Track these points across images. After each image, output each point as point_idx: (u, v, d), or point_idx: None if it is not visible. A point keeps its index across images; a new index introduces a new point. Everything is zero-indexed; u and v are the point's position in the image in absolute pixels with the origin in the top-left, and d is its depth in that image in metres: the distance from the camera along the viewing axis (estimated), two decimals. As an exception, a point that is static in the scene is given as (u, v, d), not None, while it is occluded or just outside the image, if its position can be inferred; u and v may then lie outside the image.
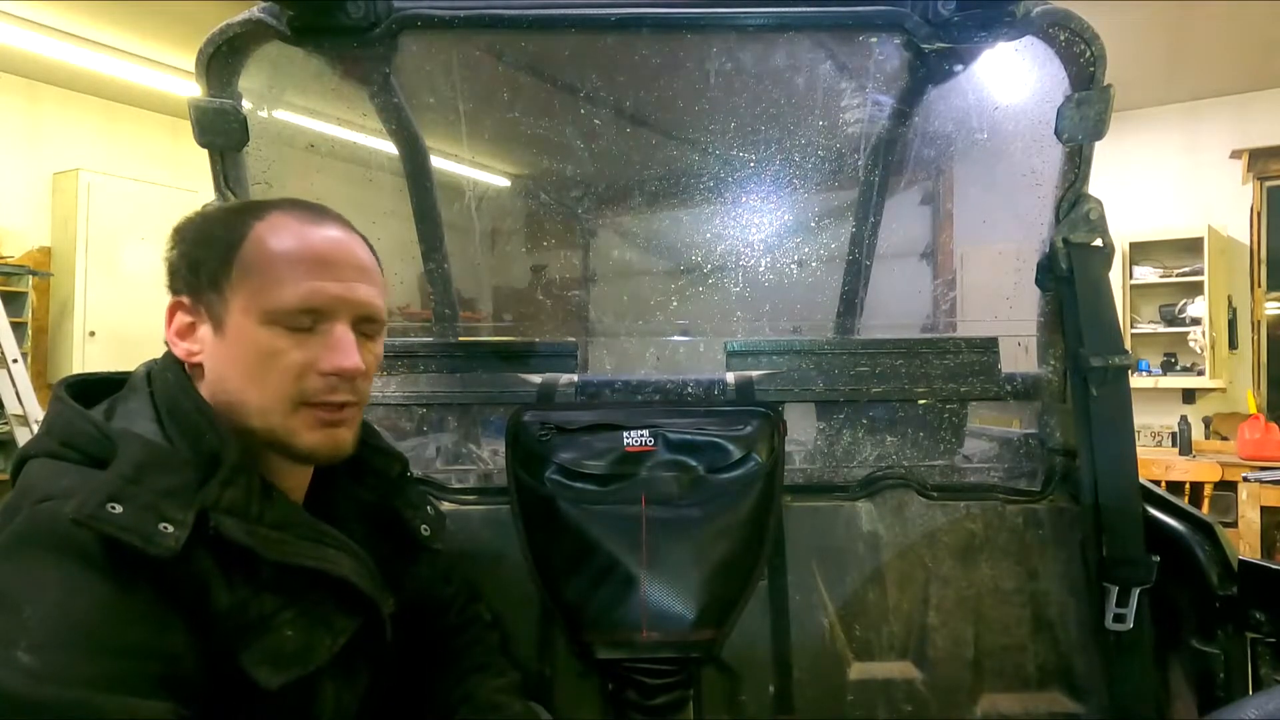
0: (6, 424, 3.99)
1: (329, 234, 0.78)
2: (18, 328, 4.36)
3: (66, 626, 0.59)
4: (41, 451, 0.70)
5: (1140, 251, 5.08)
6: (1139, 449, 1.18)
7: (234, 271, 0.74)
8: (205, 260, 0.75)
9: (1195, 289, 4.92)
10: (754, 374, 1.33)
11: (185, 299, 0.77)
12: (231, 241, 0.75)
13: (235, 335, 0.74)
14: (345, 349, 0.75)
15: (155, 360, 0.79)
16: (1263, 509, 3.60)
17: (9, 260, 4.71)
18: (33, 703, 0.55)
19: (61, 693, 0.56)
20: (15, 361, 3.81)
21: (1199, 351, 4.89)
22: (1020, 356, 1.37)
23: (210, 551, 0.66)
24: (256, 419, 0.74)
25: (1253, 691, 1.06)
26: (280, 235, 0.75)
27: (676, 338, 1.76)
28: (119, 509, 0.62)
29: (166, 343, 0.78)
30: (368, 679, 0.82)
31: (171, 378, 0.75)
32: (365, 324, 0.79)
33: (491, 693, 0.93)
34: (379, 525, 0.89)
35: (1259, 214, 4.87)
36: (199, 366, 0.76)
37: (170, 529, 0.63)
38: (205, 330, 0.76)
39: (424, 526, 0.92)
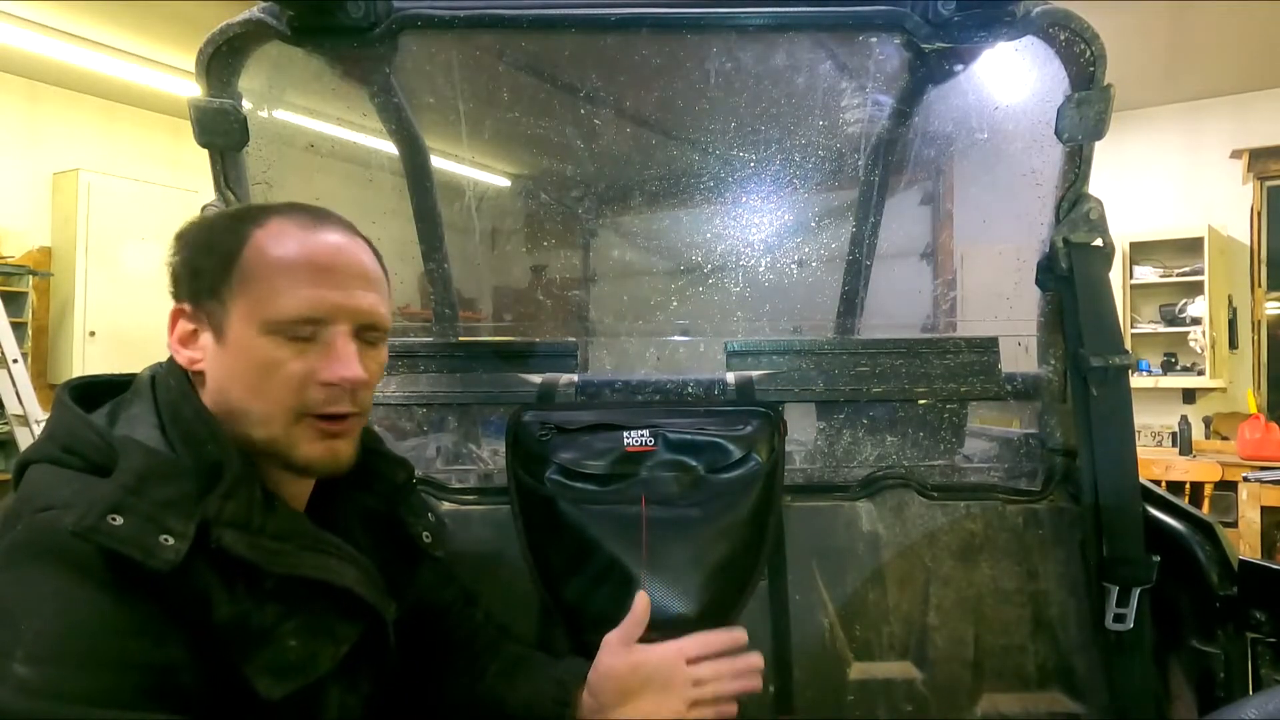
0: (6, 424, 3.99)
1: (330, 240, 0.76)
2: (18, 328, 4.36)
3: (64, 639, 0.58)
4: (43, 457, 0.69)
5: (1140, 251, 5.08)
6: (1139, 449, 1.18)
7: (234, 279, 0.73)
8: (206, 268, 0.74)
9: (1195, 289, 4.91)
10: (754, 374, 1.33)
11: (187, 306, 0.76)
12: (231, 249, 0.74)
13: (236, 345, 0.73)
14: (346, 358, 0.74)
15: (160, 364, 0.79)
16: (1263, 509, 3.60)
17: (9, 260, 4.71)
18: (29, 717, 0.55)
19: (58, 707, 0.55)
20: (15, 361, 3.81)
21: (1199, 351, 4.89)
22: (1020, 356, 1.37)
23: (211, 562, 0.66)
24: (258, 429, 0.73)
25: (1253, 691, 1.06)
26: (280, 242, 0.74)
27: (676, 338, 1.76)
28: (119, 521, 0.61)
29: (172, 351, 0.77)
30: (371, 685, 0.82)
31: (174, 383, 0.74)
32: (368, 332, 0.78)
33: (515, 649, 0.97)
34: (381, 531, 0.89)
35: (1259, 214, 4.86)
36: (201, 374, 0.76)
37: (171, 541, 0.62)
38: (207, 338, 0.75)
39: (425, 534, 0.92)
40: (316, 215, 0.78)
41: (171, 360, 0.78)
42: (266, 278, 0.73)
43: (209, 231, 0.77)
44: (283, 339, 0.72)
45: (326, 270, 0.74)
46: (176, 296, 0.77)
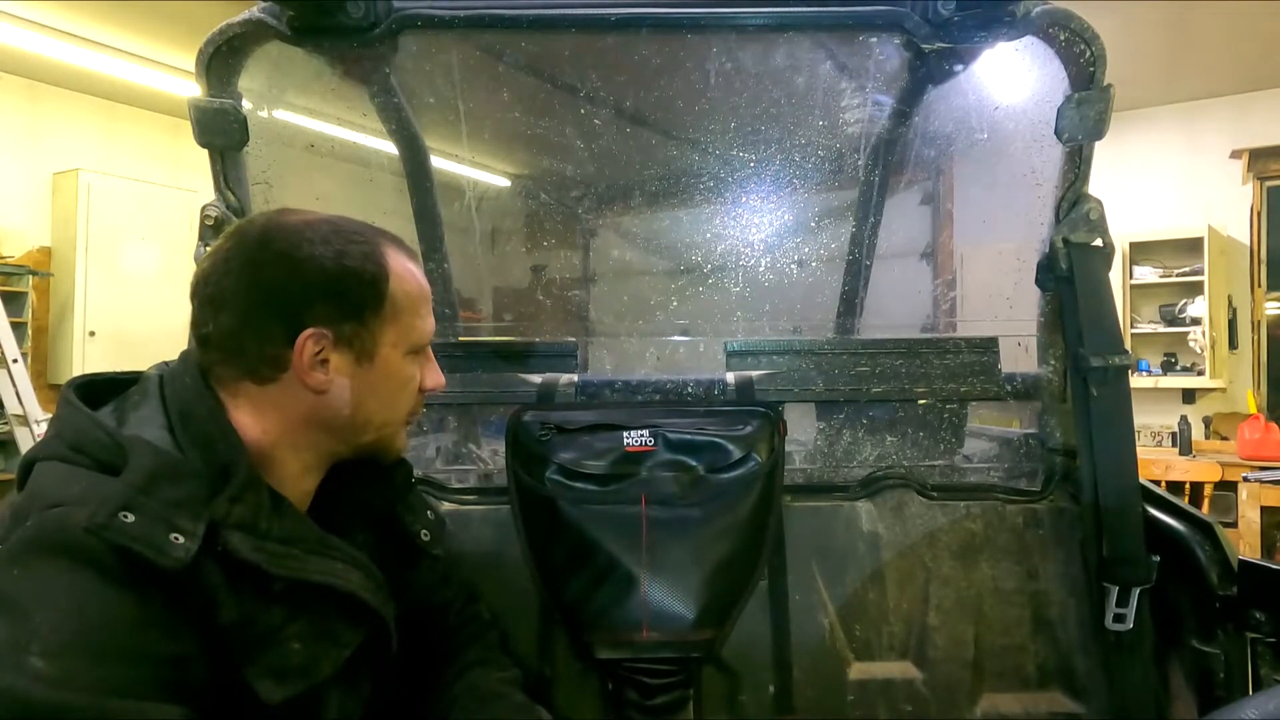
0: (6, 424, 3.99)
1: (419, 270, 0.86)
2: (18, 328, 4.36)
3: (77, 632, 0.59)
4: (51, 455, 0.69)
5: (1140, 251, 5.08)
6: (1139, 449, 1.18)
7: (386, 310, 0.79)
8: (348, 295, 0.76)
9: (1195, 289, 4.91)
10: (754, 374, 1.33)
11: (326, 331, 0.75)
12: (376, 279, 0.77)
13: (385, 366, 0.80)
14: (437, 370, 0.87)
15: (167, 363, 0.78)
16: (1263, 509, 3.60)
17: (9, 260, 4.71)
18: (46, 707, 0.56)
19: (74, 697, 0.57)
20: (15, 361, 3.81)
21: (1199, 351, 4.89)
22: (1020, 356, 1.37)
23: (219, 564, 0.67)
24: (373, 433, 0.82)
25: (1253, 691, 1.06)
26: (411, 276, 0.82)
27: (676, 338, 1.76)
28: (130, 518, 0.62)
29: (298, 374, 0.75)
30: (371, 687, 0.82)
31: (189, 382, 0.74)
32: None
33: (493, 683, 0.94)
34: (381, 530, 0.90)
35: (1259, 214, 4.86)
36: (272, 386, 0.75)
37: (180, 539, 0.63)
38: (340, 360, 0.76)
39: (424, 532, 0.92)
40: (407, 246, 0.86)
41: (184, 359, 0.77)
42: (409, 308, 0.81)
43: (339, 258, 0.75)
44: (413, 358, 0.83)
45: (430, 299, 0.86)
46: (307, 322, 0.74)
